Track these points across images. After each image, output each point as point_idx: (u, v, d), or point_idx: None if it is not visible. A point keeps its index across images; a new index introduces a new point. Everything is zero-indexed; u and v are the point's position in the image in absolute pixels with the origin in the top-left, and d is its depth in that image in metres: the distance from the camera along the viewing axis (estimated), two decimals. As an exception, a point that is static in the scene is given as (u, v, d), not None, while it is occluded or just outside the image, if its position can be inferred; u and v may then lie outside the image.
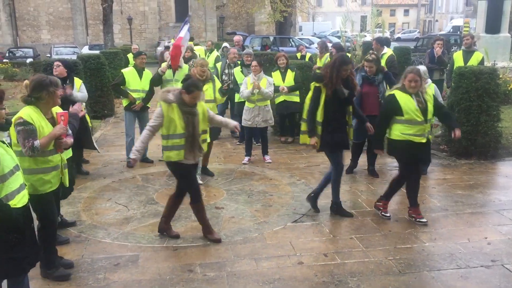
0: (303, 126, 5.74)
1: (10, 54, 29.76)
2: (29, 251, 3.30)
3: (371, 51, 8.80)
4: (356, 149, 7.36)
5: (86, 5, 39.36)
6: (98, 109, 12.00)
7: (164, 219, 5.24)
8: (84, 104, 8.01)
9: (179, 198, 5.21)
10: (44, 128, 3.99)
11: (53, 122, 4.12)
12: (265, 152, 8.22)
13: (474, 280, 4.29)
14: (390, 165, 7.75)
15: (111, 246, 5.02)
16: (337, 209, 5.81)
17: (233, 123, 5.51)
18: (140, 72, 7.87)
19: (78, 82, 7.18)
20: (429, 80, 6.86)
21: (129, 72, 7.83)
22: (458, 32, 40.61)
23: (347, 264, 4.59)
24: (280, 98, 8.98)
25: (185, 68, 8.30)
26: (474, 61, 9.01)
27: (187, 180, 5.09)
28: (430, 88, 6.04)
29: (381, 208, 5.77)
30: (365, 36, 27.07)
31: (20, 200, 3.24)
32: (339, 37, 28.69)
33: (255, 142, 8.65)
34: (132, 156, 4.95)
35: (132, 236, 5.25)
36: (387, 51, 9.64)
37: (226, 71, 9.31)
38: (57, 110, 4.23)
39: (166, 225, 5.24)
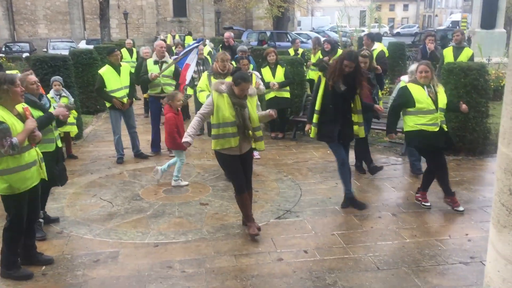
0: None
1: (7, 48, 29.68)
2: None
3: (364, 47, 8.82)
4: (356, 145, 7.28)
5: (83, 0, 39.22)
6: (90, 104, 11.99)
7: (244, 219, 5.29)
8: (72, 100, 8.02)
9: (238, 192, 5.15)
10: (16, 125, 3.98)
11: (21, 118, 4.10)
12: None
13: (451, 277, 4.31)
14: (379, 162, 7.75)
15: (92, 243, 5.03)
16: (349, 202, 5.89)
17: (270, 111, 5.29)
18: (117, 69, 7.71)
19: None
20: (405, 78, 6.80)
21: (106, 72, 7.64)
22: (457, 27, 40.54)
23: (326, 261, 4.60)
24: (271, 94, 8.98)
25: (171, 64, 8.30)
26: (463, 57, 8.99)
27: (230, 171, 5.24)
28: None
29: (420, 199, 5.95)
30: (363, 31, 27.09)
31: None
32: (337, 32, 28.66)
33: None
34: (185, 139, 5.05)
35: (114, 232, 5.26)
36: (378, 47, 9.63)
37: (196, 68, 9.19)
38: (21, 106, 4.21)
39: (248, 223, 5.19)
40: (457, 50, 9.24)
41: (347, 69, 5.46)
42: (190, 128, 5.13)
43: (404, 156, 8.05)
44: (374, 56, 9.30)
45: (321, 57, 10.82)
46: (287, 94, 8.97)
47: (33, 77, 4.95)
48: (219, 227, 5.39)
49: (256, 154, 8.12)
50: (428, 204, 5.90)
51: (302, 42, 19.25)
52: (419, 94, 5.53)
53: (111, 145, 8.46)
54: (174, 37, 20.53)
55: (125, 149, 8.18)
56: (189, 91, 9.09)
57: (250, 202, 5.27)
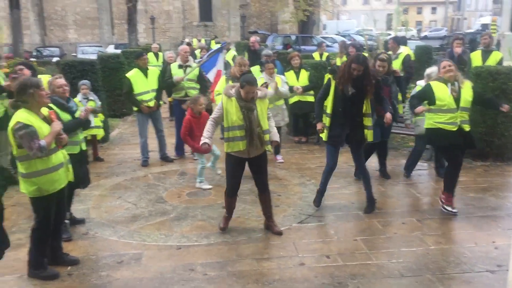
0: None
1: (38, 53, 30.45)
2: None
3: (383, 51, 8.74)
4: (369, 149, 7.19)
5: (112, 5, 39.91)
6: (117, 108, 12.20)
7: (265, 217, 5.44)
8: (99, 103, 8.16)
9: (260, 193, 5.39)
10: (42, 128, 4.07)
11: (47, 121, 4.20)
12: (277, 151, 8.22)
13: (477, 285, 4.22)
14: (402, 166, 7.66)
15: (117, 244, 5.11)
16: (317, 194, 6.08)
17: (274, 138, 5.32)
18: (145, 72, 7.89)
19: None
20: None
21: (134, 75, 7.81)
22: (486, 30, 39.74)
23: (348, 266, 4.56)
24: (295, 98, 8.99)
25: (195, 68, 8.39)
26: (492, 61, 8.80)
27: (229, 172, 5.29)
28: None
29: (443, 201, 5.84)
30: (389, 34, 26.82)
31: None
32: (363, 36, 28.46)
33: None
34: (203, 141, 5.22)
35: (138, 234, 5.33)
36: (404, 50, 9.53)
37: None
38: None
39: (268, 222, 5.40)
40: (485, 54, 9.05)
41: (355, 72, 5.43)
42: (205, 132, 5.29)
43: (430, 161, 7.93)
44: (401, 60, 9.22)
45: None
46: (311, 98, 8.94)
47: (60, 81, 5.07)
48: (241, 230, 5.40)
49: (279, 158, 8.13)
50: (454, 210, 5.74)
51: (327, 46, 19.22)
52: (441, 92, 5.51)
53: (137, 148, 8.58)
54: (199, 41, 20.70)
55: (150, 152, 8.29)
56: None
57: (268, 205, 5.38)
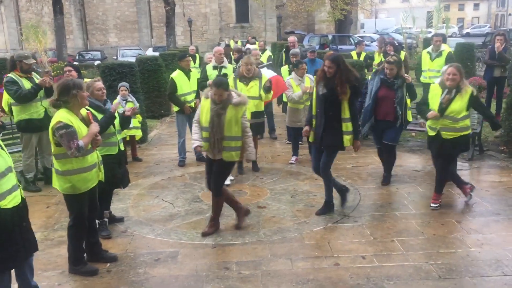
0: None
1: (80, 57, 31.41)
2: (16, 250, 3.37)
3: (392, 53, 8.52)
4: (381, 154, 6.99)
5: (151, 9, 40.81)
6: (155, 109, 12.42)
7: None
8: (137, 105, 8.34)
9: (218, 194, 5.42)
10: (81, 128, 4.20)
11: (85, 122, 4.32)
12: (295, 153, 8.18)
13: (520, 289, 4.07)
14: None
15: (154, 242, 5.21)
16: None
17: (249, 157, 5.42)
18: (187, 73, 8.04)
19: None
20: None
21: (178, 76, 7.96)
22: (532, 26, 38.26)
23: (384, 267, 4.50)
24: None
25: (229, 68, 8.45)
26: (537, 57, 8.49)
27: (206, 169, 5.45)
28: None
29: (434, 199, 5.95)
30: (429, 32, 26.22)
31: (11, 201, 3.32)
32: (401, 34, 27.94)
33: (301, 142, 8.60)
34: (194, 144, 5.34)
35: (175, 232, 5.42)
36: (446, 48, 9.33)
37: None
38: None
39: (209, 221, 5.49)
40: (530, 50, 8.73)
41: (327, 69, 5.33)
42: (193, 135, 5.39)
43: (472, 161, 7.71)
44: (444, 57, 9.02)
45: (383, 59, 10.58)
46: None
47: (99, 84, 5.22)
48: (276, 230, 5.41)
49: (292, 159, 8.06)
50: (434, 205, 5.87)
51: (365, 45, 18.92)
52: (433, 97, 5.63)
53: (174, 148, 8.72)
54: (236, 42, 20.85)
55: (187, 152, 8.40)
56: None
57: (214, 206, 5.42)
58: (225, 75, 8.09)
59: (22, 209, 3.44)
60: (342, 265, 4.57)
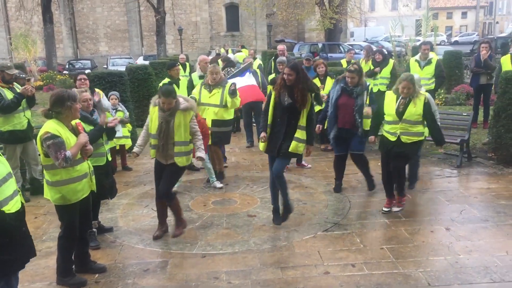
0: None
1: (70, 66, 31.26)
2: (18, 254, 3.37)
3: (353, 61, 8.66)
4: (338, 163, 6.97)
5: (141, 18, 40.80)
6: (145, 118, 12.15)
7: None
8: (127, 114, 8.32)
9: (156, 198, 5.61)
10: (70, 139, 4.18)
11: (74, 132, 4.30)
12: (299, 160, 8.20)
13: (508, 296, 4.09)
14: (433, 174, 7.54)
15: (143, 252, 5.17)
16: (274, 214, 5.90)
17: (199, 155, 5.41)
18: (176, 82, 8.07)
19: (100, 93, 7.46)
20: (423, 89, 6.54)
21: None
22: (519, 34, 38.78)
23: (374, 275, 4.50)
24: (318, 108, 8.92)
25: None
26: (523, 64, 8.59)
27: (155, 175, 5.55)
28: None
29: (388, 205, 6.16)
30: (418, 40, 26.47)
31: (13, 206, 3.33)
32: (391, 42, 28.16)
33: None
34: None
35: (164, 242, 5.39)
36: (434, 56, 9.42)
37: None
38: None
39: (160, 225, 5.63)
40: (516, 58, 8.84)
41: (288, 77, 5.30)
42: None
43: (460, 168, 7.77)
44: (434, 65, 9.11)
45: (371, 67, 10.67)
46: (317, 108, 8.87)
47: (86, 94, 5.20)
48: (266, 239, 5.40)
49: (305, 163, 8.11)
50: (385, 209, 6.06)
51: (355, 53, 19.05)
52: (389, 103, 5.84)
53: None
54: (227, 51, 20.90)
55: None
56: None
57: (172, 211, 5.55)
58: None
59: (22, 214, 3.46)
60: (332, 273, 4.57)
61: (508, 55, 9.07)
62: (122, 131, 8.12)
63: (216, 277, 4.57)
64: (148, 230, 5.73)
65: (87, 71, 26.40)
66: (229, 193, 7.05)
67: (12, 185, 3.40)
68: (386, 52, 12.36)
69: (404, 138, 5.77)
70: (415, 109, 5.69)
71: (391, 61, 10.83)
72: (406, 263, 4.71)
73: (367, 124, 6.51)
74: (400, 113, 5.73)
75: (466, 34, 60.00)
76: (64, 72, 27.77)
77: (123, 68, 14.37)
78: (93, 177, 4.54)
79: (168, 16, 32.42)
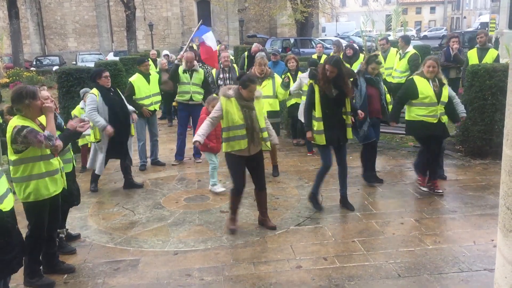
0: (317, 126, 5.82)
1: (38, 62, 30.52)
2: (17, 252, 3.38)
3: (374, 52, 8.81)
4: (365, 151, 7.08)
5: (111, 13, 40.12)
6: (115, 115, 12.14)
7: (260, 213, 5.61)
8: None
9: (258, 191, 5.54)
10: (39, 131, 4.06)
11: (43, 128, 4.18)
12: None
13: (475, 284, 4.18)
14: (404, 167, 7.66)
15: (114, 251, 5.09)
16: (312, 199, 6.07)
17: (274, 141, 5.60)
18: (147, 77, 8.04)
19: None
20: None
21: (137, 80, 7.96)
22: (486, 29, 39.65)
23: (346, 268, 4.54)
24: (292, 101, 8.97)
25: (200, 72, 8.40)
26: (489, 58, 8.78)
27: (234, 172, 5.41)
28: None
29: (419, 183, 6.57)
30: (389, 35, 26.80)
31: (8, 204, 3.33)
32: (362, 37, 28.44)
33: None
34: (195, 138, 5.24)
35: (135, 240, 5.32)
36: (411, 50, 9.58)
37: (221, 75, 9.24)
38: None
39: (263, 217, 5.57)
40: (482, 52, 9.03)
41: (329, 74, 5.54)
42: (200, 130, 5.31)
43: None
44: (407, 58, 9.31)
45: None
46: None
47: (45, 93, 4.91)
48: (238, 235, 5.38)
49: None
50: (440, 191, 6.38)
51: (326, 48, 19.16)
52: (424, 87, 6.01)
53: (135, 155, 8.54)
54: (198, 46, 20.74)
55: (148, 158, 8.30)
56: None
57: (263, 201, 5.55)
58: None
59: (14, 212, 3.45)
60: (304, 267, 4.59)
61: (475, 49, 9.26)
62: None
63: (188, 274, 4.54)
64: (119, 229, 5.65)
65: (55, 68, 25.91)
66: (201, 189, 7.00)
67: (4, 183, 3.40)
68: (357, 47, 12.47)
69: (444, 119, 6.12)
70: (446, 90, 6.07)
71: (362, 56, 10.93)
72: (377, 255, 4.77)
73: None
74: (437, 95, 5.98)
75: (435, 29, 61.15)
76: (31, 68, 27.11)
77: (92, 65, 14.11)
78: (64, 173, 4.44)
79: (139, 12, 32.00)
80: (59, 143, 4.15)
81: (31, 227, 4.29)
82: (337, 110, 5.75)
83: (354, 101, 6.36)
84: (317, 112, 5.73)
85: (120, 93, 7.15)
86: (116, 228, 5.69)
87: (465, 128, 7.93)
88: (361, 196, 6.47)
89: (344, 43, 14.01)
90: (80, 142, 8.04)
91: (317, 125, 5.76)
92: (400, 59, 9.78)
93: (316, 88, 5.69)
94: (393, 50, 10.37)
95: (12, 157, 4.08)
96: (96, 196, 6.84)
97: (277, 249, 4.99)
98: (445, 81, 6.16)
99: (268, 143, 5.42)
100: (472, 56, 9.07)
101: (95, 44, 40.10)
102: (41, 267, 4.45)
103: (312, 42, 28.66)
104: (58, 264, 4.61)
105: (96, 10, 39.63)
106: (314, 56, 12.57)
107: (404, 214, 5.79)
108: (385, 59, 9.88)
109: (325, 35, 46.68)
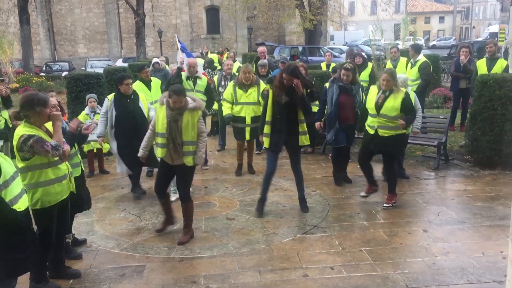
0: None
1: (47, 67, 30.75)
2: (31, 251, 3.40)
3: (348, 60, 8.87)
4: (334, 154, 7.38)
5: (120, 19, 40.44)
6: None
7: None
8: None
9: (180, 201, 5.59)
10: (46, 139, 4.06)
11: (50, 134, 4.19)
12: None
13: (484, 296, 4.13)
14: (411, 176, 7.60)
15: (120, 257, 5.08)
16: (258, 203, 6.18)
17: (197, 161, 5.33)
18: (147, 84, 8.04)
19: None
20: (409, 89, 7.05)
21: (137, 87, 7.69)
22: (495, 39, 39.51)
23: (352, 278, 4.50)
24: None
25: (203, 79, 8.39)
26: (498, 68, 8.73)
27: (157, 173, 5.62)
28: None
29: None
30: (397, 44, 26.78)
31: (22, 204, 3.36)
32: (370, 46, 28.43)
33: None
34: (139, 154, 5.52)
35: (141, 246, 5.30)
36: (421, 58, 9.53)
37: (223, 83, 9.26)
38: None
39: (183, 229, 5.55)
40: (491, 62, 8.98)
41: (286, 82, 5.74)
42: (143, 142, 5.52)
43: (437, 170, 7.84)
44: (417, 66, 9.27)
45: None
46: (315, 108, 8.89)
47: (53, 100, 4.95)
48: (244, 242, 5.36)
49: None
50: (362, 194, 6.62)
51: (334, 56, 19.14)
52: (371, 97, 6.15)
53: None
54: (206, 53, 20.81)
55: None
56: (215, 106, 9.12)
57: (184, 212, 5.46)
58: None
59: (29, 212, 3.47)
60: (311, 276, 4.55)
61: (484, 59, 9.21)
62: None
63: (193, 281, 4.51)
64: (125, 234, 5.64)
65: (64, 73, 26.09)
66: (208, 196, 6.99)
67: (19, 184, 3.42)
68: (366, 56, 12.46)
69: (381, 132, 6.05)
70: (393, 104, 5.93)
71: (370, 65, 10.90)
72: (384, 265, 4.72)
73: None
74: (378, 106, 5.99)
75: (444, 39, 60.97)
76: (41, 74, 27.31)
77: (101, 71, 14.17)
78: (73, 178, 4.44)
79: (148, 18, 32.17)
80: (67, 147, 4.17)
81: (39, 233, 4.27)
82: (288, 116, 5.87)
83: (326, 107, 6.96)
84: (268, 116, 5.95)
85: (139, 102, 6.84)
86: (122, 234, 5.68)
87: (474, 138, 7.87)
88: (368, 205, 6.42)
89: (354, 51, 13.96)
90: (86, 148, 8.04)
91: (266, 128, 6.00)
92: (411, 67, 9.73)
93: (271, 93, 5.92)
94: (403, 59, 10.34)
95: (19, 164, 4.08)
96: (103, 201, 6.85)
97: (284, 257, 4.96)
98: (400, 95, 5.91)
99: (189, 159, 5.20)
100: (481, 66, 9.02)
101: (104, 50, 40.39)
102: (47, 272, 4.44)
103: (321, 50, 28.69)
104: (64, 269, 4.61)
105: (106, 17, 39.96)
106: (323, 64, 12.58)
107: (412, 224, 5.74)
108: (395, 67, 9.84)
109: (333, 43, 46.70)
